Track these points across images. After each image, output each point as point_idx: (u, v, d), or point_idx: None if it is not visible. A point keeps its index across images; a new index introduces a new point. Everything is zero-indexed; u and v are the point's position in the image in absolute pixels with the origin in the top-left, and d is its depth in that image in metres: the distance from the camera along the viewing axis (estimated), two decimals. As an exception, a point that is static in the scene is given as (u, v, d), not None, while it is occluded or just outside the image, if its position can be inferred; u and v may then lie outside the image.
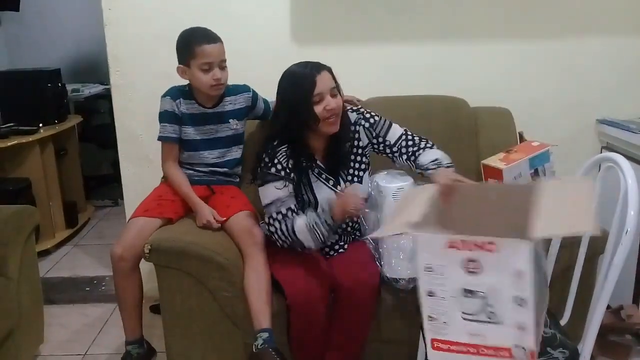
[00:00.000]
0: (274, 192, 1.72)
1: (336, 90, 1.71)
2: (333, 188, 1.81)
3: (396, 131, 1.86)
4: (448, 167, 1.74)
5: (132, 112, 2.39)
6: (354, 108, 1.88)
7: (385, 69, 2.40)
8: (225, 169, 2.04)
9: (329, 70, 1.71)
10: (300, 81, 1.68)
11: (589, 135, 2.47)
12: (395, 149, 1.84)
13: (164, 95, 1.96)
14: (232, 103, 2.01)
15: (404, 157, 1.83)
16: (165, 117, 1.95)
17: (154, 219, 1.89)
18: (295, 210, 1.74)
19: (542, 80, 2.42)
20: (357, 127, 1.84)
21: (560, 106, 2.44)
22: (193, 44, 1.87)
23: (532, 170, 2.03)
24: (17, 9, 3.77)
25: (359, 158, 1.85)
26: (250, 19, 2.34)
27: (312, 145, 1.79)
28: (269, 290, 1.72)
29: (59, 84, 3.34)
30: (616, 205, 1.36)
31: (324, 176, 1.81)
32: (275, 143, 1.74)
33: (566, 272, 1.66)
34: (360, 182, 1.84)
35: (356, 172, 1.84)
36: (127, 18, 2.33)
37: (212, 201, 1.97)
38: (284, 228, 1.71)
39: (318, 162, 1.80)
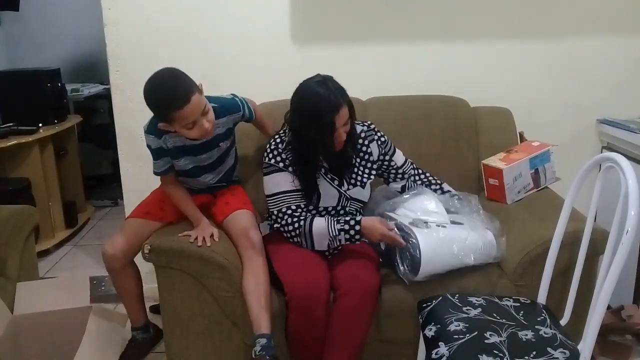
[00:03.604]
0: (278, 183, 1.80)
1: (349, 121, 1.74)
2: (337, 187, 1.87)
3: (400, 156, 1.98)
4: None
5: (132, 112, 2.38)
6: (366, 123, 1.93)
7: (385, 69, 2.39)
8: (224, 183, 1.99)
9: (348, 102, 1.72)
10: (320, 117, 1.68)
11: (590, 135, 2.47)
12: (401, 170, 1.97)
13: (147, 132, 1.82)
14: (221, 126, 1.85)
15: (414, 182, 1.97)
16: (154, 153, 1.86)
17: (154, 222, 1.88)
18: (305, 209, 1.80)
19: (542, 80, 2.42)
20: (367, 142, 1.90)
21: (560, 106, 2.44)
22: (167, 110, 1.68)
23: (533, 170, 2.03)
24: (17, 9, 3.77)
25: (366, 169, 1.91)
26: (250, 19, 2.33)
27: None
28: (268, 294, 1.71)
29: (59, 84, 3.35)
30: (616, 205, 1.36)
31: (329, 175, 1.86)
32: (285, 139, 1.82)
33: (566, 272, 1.67)
34: (363, 187, 1.90)
35: (359, 178, 1.89)
36: (127, 18, 2.32)
37: (213, 203, 1.96)
38: (296, 225, 1.76)
39: (323, 162, 1.86)
